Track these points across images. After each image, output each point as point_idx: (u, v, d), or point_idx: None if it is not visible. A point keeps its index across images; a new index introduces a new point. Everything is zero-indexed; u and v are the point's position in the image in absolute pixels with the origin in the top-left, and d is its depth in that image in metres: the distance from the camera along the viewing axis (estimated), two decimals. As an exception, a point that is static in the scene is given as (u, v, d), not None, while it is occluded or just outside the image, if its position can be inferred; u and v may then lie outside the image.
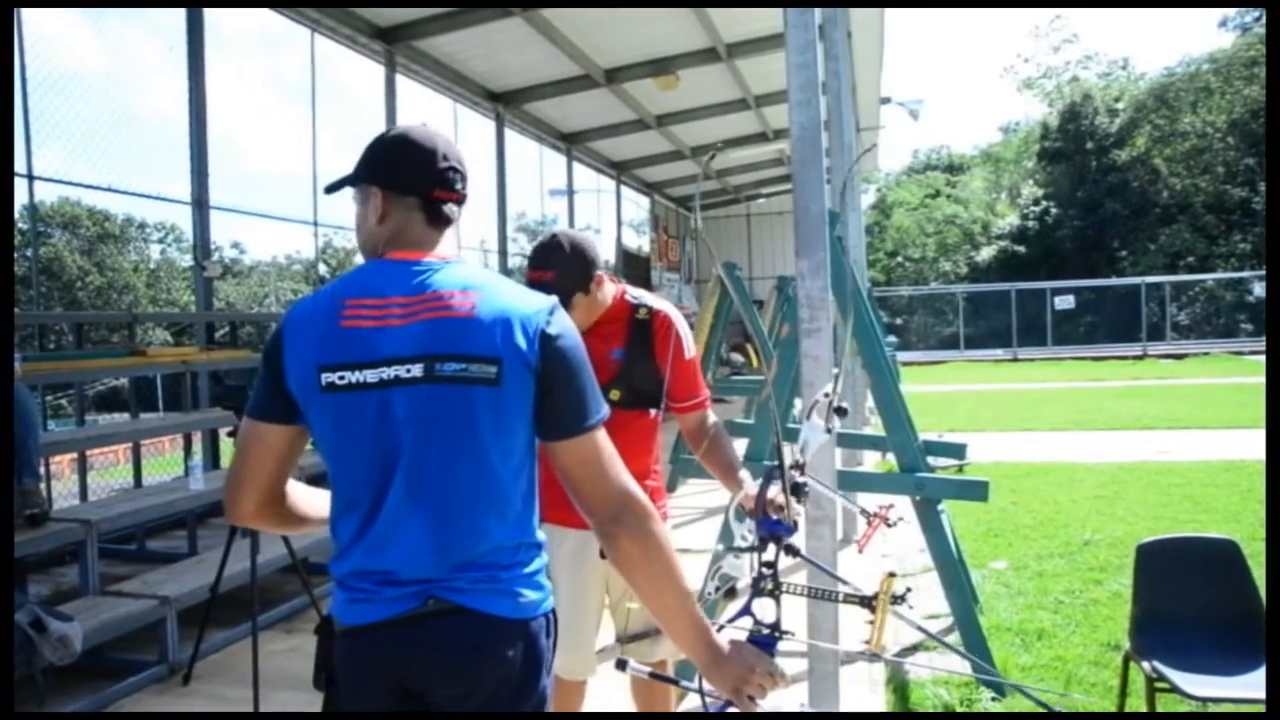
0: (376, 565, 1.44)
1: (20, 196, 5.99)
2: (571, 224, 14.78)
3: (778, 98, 12.43)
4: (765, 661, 1.46)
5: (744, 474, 2.28)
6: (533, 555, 1.51)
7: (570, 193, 14.90)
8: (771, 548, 1.60)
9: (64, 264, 24.96)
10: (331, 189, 1.63)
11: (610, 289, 2.44)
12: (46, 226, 23.31)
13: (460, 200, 1.59)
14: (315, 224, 8.81)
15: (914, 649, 4.01)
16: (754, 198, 21.83)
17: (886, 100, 14.62)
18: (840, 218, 3.69)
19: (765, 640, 1.53)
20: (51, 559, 5.32)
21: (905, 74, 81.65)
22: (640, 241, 20.16)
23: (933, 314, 27.19)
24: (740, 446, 2.87)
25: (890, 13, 9.96)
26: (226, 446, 7.08)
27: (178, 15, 6.88)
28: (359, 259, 1.62)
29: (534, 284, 2.22)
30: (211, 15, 7.15)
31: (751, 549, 1.64)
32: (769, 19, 9.43)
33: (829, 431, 1.77)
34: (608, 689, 3.05)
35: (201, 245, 7.10)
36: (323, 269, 19.01)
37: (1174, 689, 2.62)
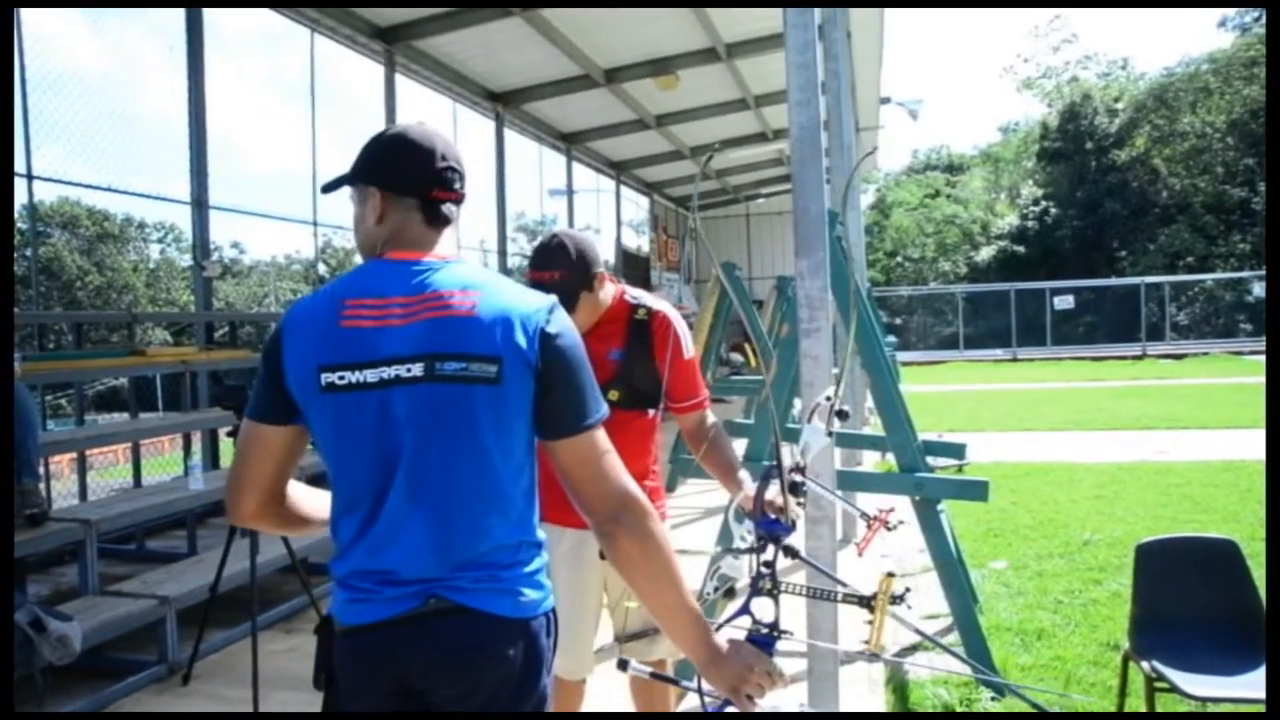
0: (377, 565, 1.44)
1: (20, 196, 5.99)
2: (571, 224, 14.78)
3: (777, 98, 12.43)
4: (764, 661, 1.47)
5: (743, 474, 2.28)
6: (533, 554, 1.51)
7: (570, 193, 14.91)
8: (770, 547, 1.61)
9: (63, 264, 24.95)
10: (329, 188, 1.63)
11: (610, 289, 2.44)
12: (46, 226, 23.31)
13: (459, 200, 1.59)
14: (315, 224, 8.81)
15: (913, 649, 4.01)
16: (753, 198, 21.84)
17: (886, 100, 14.63)
18: (840, 218, 3.69)
19: (764, 640, 1.53)
20: (51, 559, 5.32)
21: (905, 74, 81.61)
22: (640, 241, 20.17)
23: (932, 314, 27.20)
24: (740, 447, 2.87)
25: (890, 13, 9.97)
26: (226, 446, 7.08)
27: (177, 15, 6.88)
28: (358, 259, 1.62)
29: (538, 284, 2.22)
30: (211, 15, 7.15)
31: (751, 550, 1.64)
32: (768, 19, 9.44)
33: (830, 435, 1.77)
34: (607, 689, 3.05)
35: (201, 245, 7.10)
36: (322, 269, 19.00)
37: (1173, 689, 2.62)
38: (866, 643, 1.62)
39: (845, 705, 3.11)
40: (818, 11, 3.23)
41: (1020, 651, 3.95)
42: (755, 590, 1.58)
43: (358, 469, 1.45)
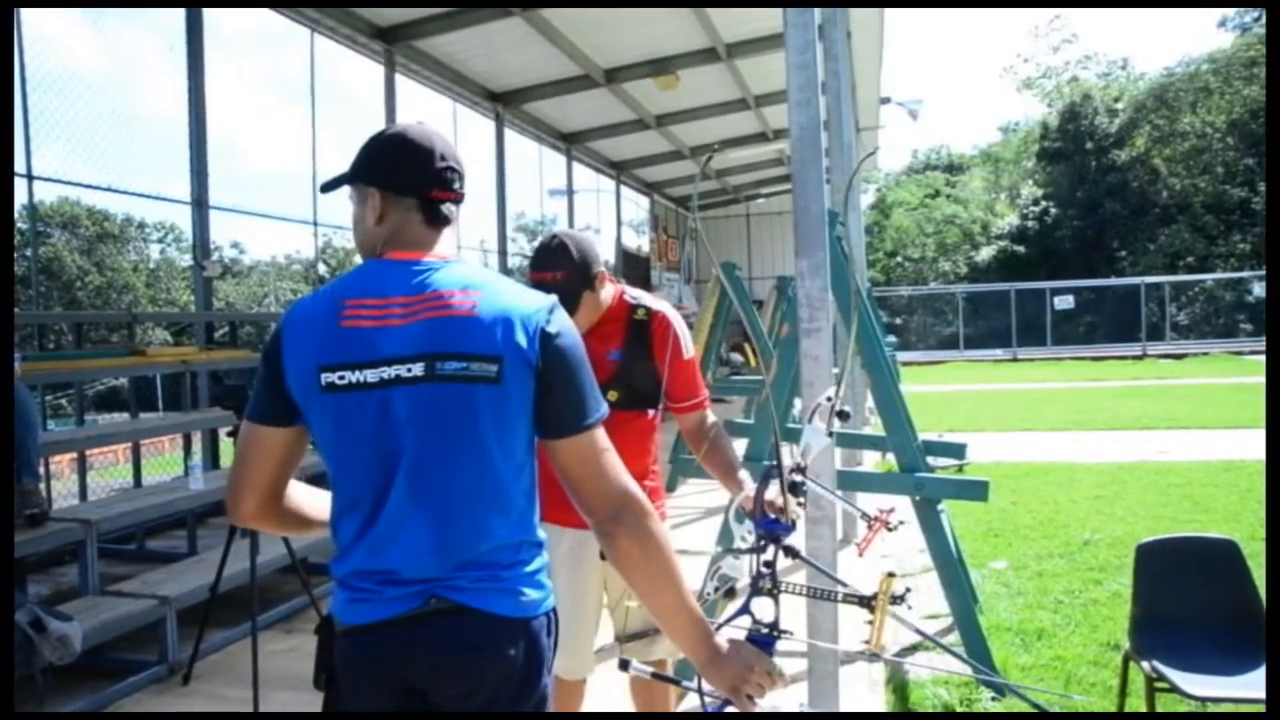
0: (378, 565, 1.44)
1: (20, 196, 6.00)
2: (571, 224, 14.78)
3: (777, 98, 12.43)
4: (764, 661, 1.46)
5: (744, 474, 2.28)
6: (534, 554, 1.51)
7: (570, 193, 14.91)
8: (771, 547, 1.61)
9: (64, 264, 24.96)
10: (328, 187, 1.62)
11: (610, 288, 2.44)
12: (46, 226, 23.31)
13: (458, 200, 1.59)
14: (315, 224, 8.82)
15: (914, 649, 4.01)
16: (754, 198, 21.85)
17: (886, 100, 14.63)
18: (840, 218, 3.69)
19: (764, 639, 1.53)
20: (51, 559, 5.32)
21: (905, 74, 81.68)
22: (640, 241, 20.17)
23: (932, 314, 27.20)
24: (740, 447, 2.87)
25: (890, 13, 9.97)
26: (226, 446, 7.08)
27: (177, 15, 6.88)
28: (359, 259, 1.61)
29: (540, 285, 2.21)
30: (211, 15, 7.15)
31: (751, 550, 1.64)
32: (769, 19, 9.44)
33: (830, 435, 1.77)
34: (607, 689, 3.05)
35: (201, 245, 7.10)
36: (322, 269, 19.00)
37: (1174, 689, 2.62)
38: (867, 643, 1.62)
39: (845, 705, 3.11)
40: (818, 11, 3.24)
41: (1020, 651, 3.95)
42: (755, 590, 1.58)
43: (358, 469, 1.45)
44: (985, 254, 32.39)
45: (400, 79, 9.46)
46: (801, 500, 1.68)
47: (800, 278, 2.90)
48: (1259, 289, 22.85)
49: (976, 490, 3.68)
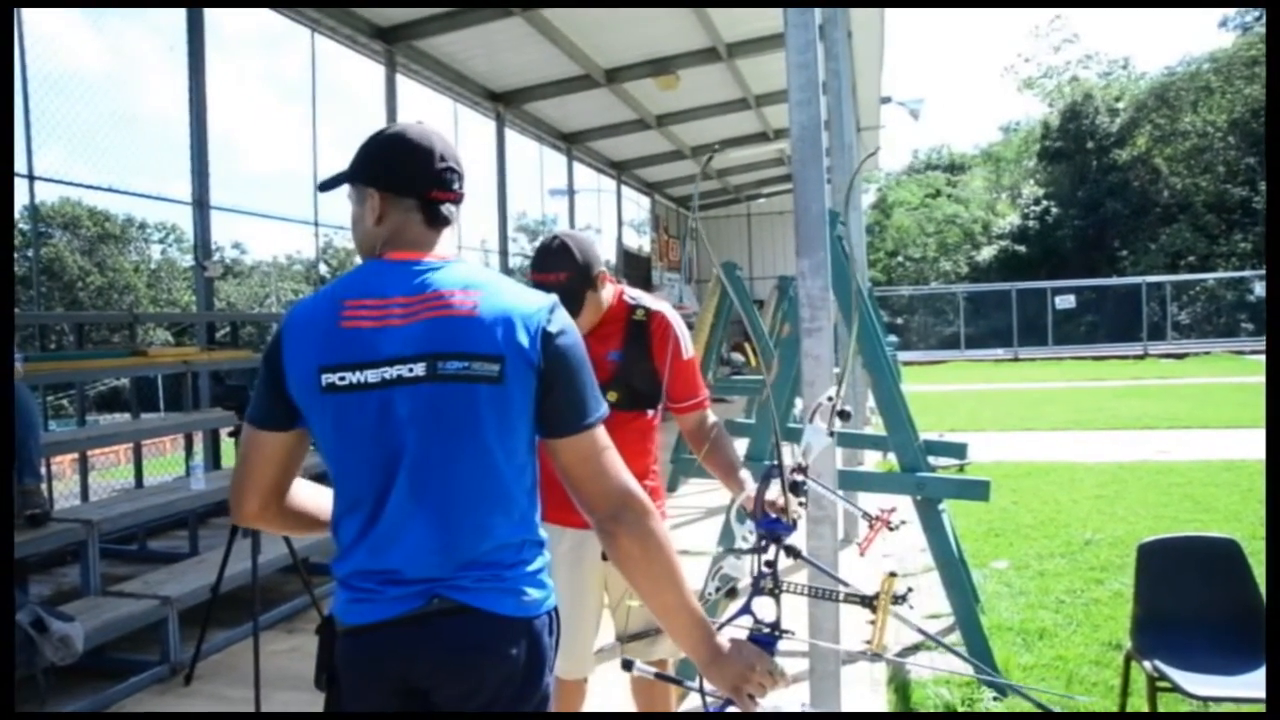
0: (380, 565, 1.44)
1: (21, 197, 6.01)
2: (572, 224, 14.78)
3: (778, 97, 12.43)
4: (765, 660, 1.46)
5: (745, 474, 2.28)
6: (536, 553, 1.51)
7: (571, 192, 14.91)
8: (772, 547, 1.60)
9: (65, 264, 24.98)
10: (326, 186, 1.62)
11: (610, 288, 2.44)
12: (47, 227, 23.33)
13: (457, 200, 1.58)
14: (316, 224, 8.83)
15: (915, 649, 4.01)
16: (754, 197, 21.84)
17: (887, 100, 14.62)
18: (841, 218, 3.69)
19: (765, 639, 1.53)
20: (53, 559, 5.32)
21: (905, 73, 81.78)
22: (641, 241, 20.18)
23: (933, 314, 27.19)
24: (741, 446, 2.87)
25: (890, 12, 9.96)
26: (228, 446, 7.09)
27: (178, 15, 6.89)
28: (359, 259, 1.61)
29: (543, 287, 2.21)
30: (211, 15, 7.16)
31: (752, 550, 1.64)
32: (769, 19, 9.43)
33: (831, 435, 1.77)
34: (608, 689, 3.05)
35: (202, 245, 7.11)
36: (324, 269, 19.01)
37: (1175, 688, 2.62)
38: (868, 642, 1.62)
39: (847, 705, 3.11)
40: (818, 11, 3.23)
41: (1022, 651, 3.95)
42: (757, 590, 1.58)
43: (359, 469, 1.45)
44: (986, 253, 32.38)
45: (401, 79, 9.46)
46: (803, 500, 1.67)
47: (801, 277, 2.90)
48: (1260, 288, 22.83)
49: (978, 490, 3.68)
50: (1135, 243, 28.99)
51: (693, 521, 6.37)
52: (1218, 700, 2.66)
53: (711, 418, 2.47)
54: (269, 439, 1.51)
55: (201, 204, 6.90)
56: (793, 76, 2.86)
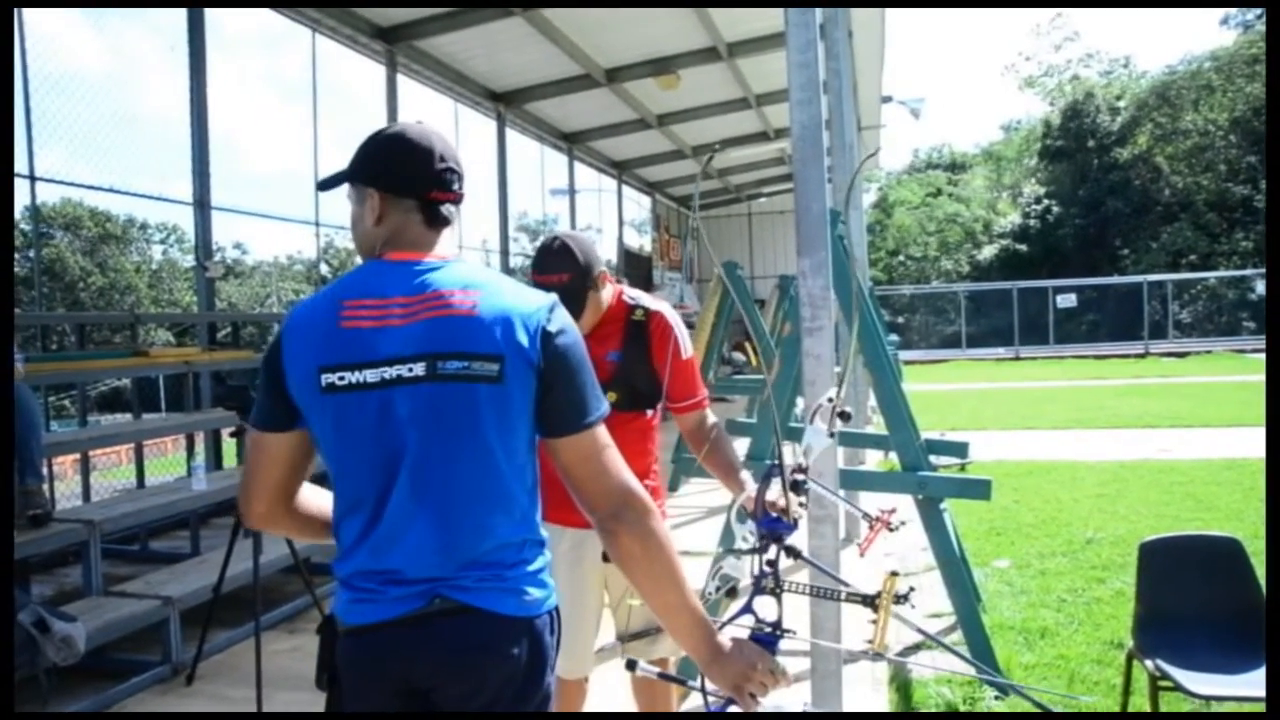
0: (381, 565, 1.44)
1: (22, 197, 6.02)
2: (573, 224, 14.79)
3: (779, 97, 12.43)
4: (767, 659, 1.46)
5: (745, 475, 2.28)
6: (537, 553, 1.51)
7: (571, 192, 14.91)
8: (773, 547, 1.60)
9: (66, 265, 25.00)
10: (325, 186, 1.62)
11: (610, 288, 2.44)
12: (48, 227, 23.35)
13: (457, 200, 1.58)
14: (317, 224, 8.83)
15: (917, 648, 4.01)
16: (755, 197, 21.84)
17: (888, 99, 14.62)
18: (842, 217, 3.69)
19: (767, 638, 1.53)
20: (55, 559, 5.33)
21: (906, 73, 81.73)
22: (642, 241, 20.19)
23: (934, 313, 27.18)
24: (742, 446, 2.87)
25: (891, 12, 9.96)
26: (229, 447, 7.09)
27: (178, 15, 6.89)
28: (359, 259, 1.61)
29: (546, 288, 2.20)
30: (212, 15, 7.16)
31: (753, 550, 1.64)
32: (770, 18, 9.43)
33: (832, 436, 1.77)
34: (608, 688, 3.05)
35: (203, 246, 7.11)
36: (325, 269, 19.03)
37: (1177, 687, 2.61)
38: (870, 642, 1.62)
39: (848, 704, 3.11)
40: (819, 11, 3.23)
41: (1024, 650, 3.94)
42: (758, 589, 1.58)
43: (360, 469, 1.45)
44: (987, 252, 32.36)
45: (401, 79, 9.46)
46: (803, 500, 1.67)
47: (802, 277, 2.90)
48: (1261, 287, 22.81)
49: (979, 489, 3.68)
50: (1136, 241, 28.97)
51: (693, 521, 6.37)
52: (1219, 699, 2.66)
53: (711, 418, 2.47)
54: (272, 440, 1.51)
55: (202, 204, 6.91)
56: (793, 76, 2.86)
